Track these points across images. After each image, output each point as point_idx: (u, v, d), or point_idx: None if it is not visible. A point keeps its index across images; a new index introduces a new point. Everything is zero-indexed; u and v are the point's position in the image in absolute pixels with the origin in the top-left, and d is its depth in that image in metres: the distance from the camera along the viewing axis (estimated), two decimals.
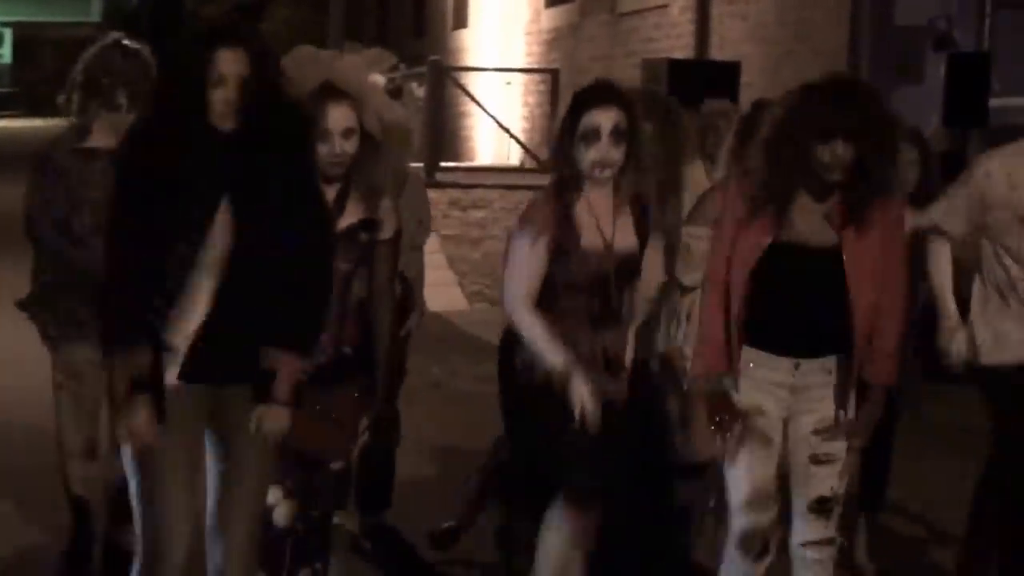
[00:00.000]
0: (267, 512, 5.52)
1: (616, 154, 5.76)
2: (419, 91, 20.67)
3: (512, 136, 19.55)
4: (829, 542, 5.60)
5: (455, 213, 17.19)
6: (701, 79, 13.92)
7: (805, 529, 5.56)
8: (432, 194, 16.18)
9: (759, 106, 6.57)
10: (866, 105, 5.39)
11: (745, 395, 5.56)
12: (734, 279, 5.49)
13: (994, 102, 12.87)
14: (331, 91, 5.52)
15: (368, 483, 7.48)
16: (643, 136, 5.89)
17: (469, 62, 24.50)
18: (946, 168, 12.39)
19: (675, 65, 14.86)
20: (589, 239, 5.82)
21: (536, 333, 5.75)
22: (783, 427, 5.60)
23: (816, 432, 5.55)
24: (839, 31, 15.35)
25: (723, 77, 14.14)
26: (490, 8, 25.09)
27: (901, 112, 14.14)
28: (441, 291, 14.70)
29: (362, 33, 31.71)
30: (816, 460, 5.55)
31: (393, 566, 7.23)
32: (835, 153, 5.31)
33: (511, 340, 5.96)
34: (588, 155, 5.74)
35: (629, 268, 5.91)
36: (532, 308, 5.79)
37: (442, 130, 20.56)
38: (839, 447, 5.56)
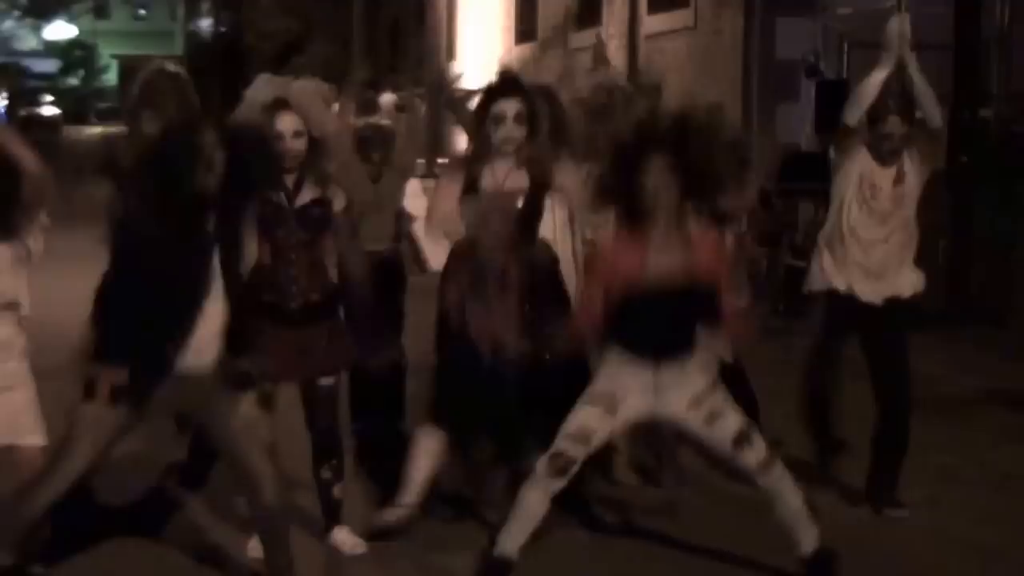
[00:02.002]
0: None
1: (518, 133, 5.69)
2: (422, 107, 20.69)
3: None
4: (768, 463, 5.25)
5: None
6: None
7: (744, 464, 5.26)
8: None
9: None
10: (689, 136, 5.10)
11: (608, 377, 5.25)
12: (612, 288, 5.18)
13: None
14: (281, 104, 5.55)
15: (384, 400, 7.46)
16: (541, 119, 5.79)
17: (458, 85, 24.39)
18: (817, 163, 12.47)
19: None
20: (486, 183, 5.75)
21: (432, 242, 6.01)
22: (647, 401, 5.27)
23: (692, 407, 5.24)
24: (734, 63, 15.31)
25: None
26: (473, 45, 25.08)
27: (783, 123, 14.23)
28: (440, 253, 14.66)
29: (378, 63, 31.57)
30: (709, 420, 5.25)
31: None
32: (659, 178, 5.05)
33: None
34: (498, 134, 5.68)
35: (522, 209, 5.74)
36: (444, 217, 5.81)
37: (439, 135, 20.49)
38: (719, 399, 5.27)
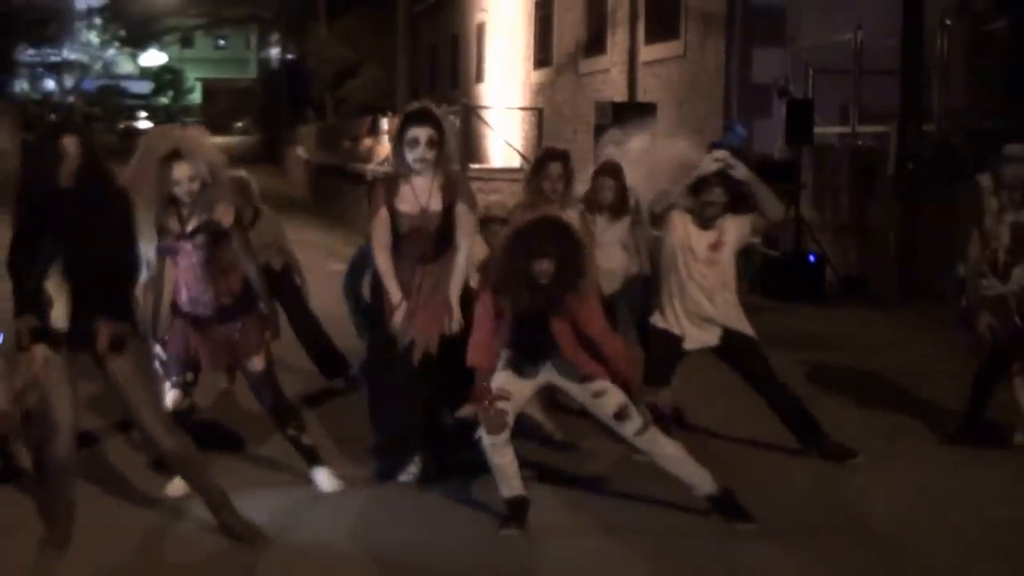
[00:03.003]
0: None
1: (430, 155, 5.59)
2: (456, 122, 20.65)
3: (514, 148, 19.52)
4: (643, 428, 5.23)
5: (478, 197, 17.06)
6: (631, 114, 13.86)
7: (623, 431, 5.29)
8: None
9: (548, 154, 6.68)
10: (560, 234, 5.14)
11: (503, 377, 5.31)
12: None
13: (816, 130, 12.89)
14: (176, 154, 5.38)
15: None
16: (449, 142, 5.67)
17: (485, 103, 24.36)
18: (787, 168, 12.50)
19: (615, 105, 14.82)
20: (408, 207, 5.65)
21: (384, 270, 5.66)
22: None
23: (583, 382, 5.29)
24: (717, 85, 15.28)
25: (645, 113, 14.07)
26: (498, 70, 25.01)
27: (758, 136, 14.18)
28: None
29: (419, 86, 31.55)
30: (596, 395, 5.27)
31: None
32: (542, 267, 5.08)
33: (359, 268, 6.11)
34: (411, 156, 5.60)
35: (440, 224, 5.67)
36: (387, 251, 5.67)
37: (470, 145, 20.47)
38: (603, 382, 5.26)
